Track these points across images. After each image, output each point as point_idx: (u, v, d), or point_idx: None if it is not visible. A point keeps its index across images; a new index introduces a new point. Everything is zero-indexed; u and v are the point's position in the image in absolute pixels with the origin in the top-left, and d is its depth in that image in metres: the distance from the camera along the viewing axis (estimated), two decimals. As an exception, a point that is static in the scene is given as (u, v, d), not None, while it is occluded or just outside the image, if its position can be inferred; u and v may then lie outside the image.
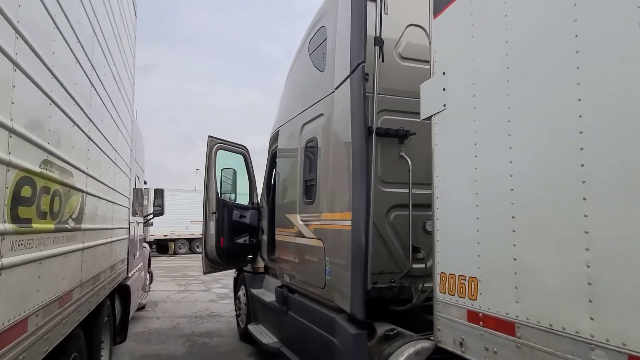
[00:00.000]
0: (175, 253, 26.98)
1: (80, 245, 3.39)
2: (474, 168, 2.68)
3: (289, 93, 6.76)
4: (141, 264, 9.66)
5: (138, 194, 9.01)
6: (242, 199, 8.16)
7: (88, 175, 3.59)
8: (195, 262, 20.99)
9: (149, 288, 11.91)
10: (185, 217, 25.37)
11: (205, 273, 7.31)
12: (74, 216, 3.15)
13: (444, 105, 2.99)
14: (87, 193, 3.55)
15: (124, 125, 5.64)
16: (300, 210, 5.69)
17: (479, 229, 2.62)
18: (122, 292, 7.25)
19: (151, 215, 11.29)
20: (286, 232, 6.17)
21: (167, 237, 26.63)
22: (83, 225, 3.45)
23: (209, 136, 7.09)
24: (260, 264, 7.91)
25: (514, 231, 2.36)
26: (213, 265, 7.20)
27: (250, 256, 7.75)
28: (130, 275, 7.60)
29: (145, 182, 10.43)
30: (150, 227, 24.80)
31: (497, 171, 2.51)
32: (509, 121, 2.42)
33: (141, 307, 10.59)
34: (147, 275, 11.42)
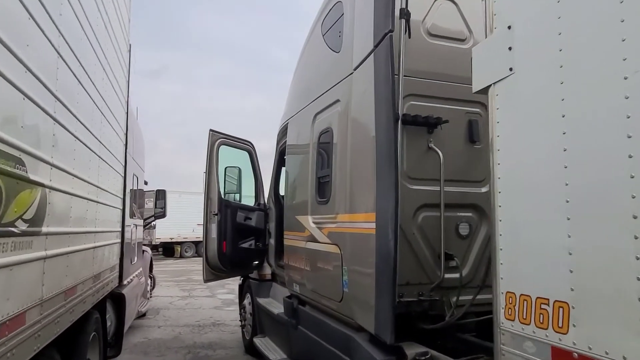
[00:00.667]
0: (181, 256, 26.28)
1: (39, 254, 2.65)
2: (561, 149, 1.90)
3: (299, 82, 6.01)
4: (140, 269, 8.92)
5: (137, 195, 8.29)
6: (247, 200, 7.41)
7: (53, 166, 2.85)
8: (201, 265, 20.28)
9: (150, 295, 11.17)
10: (191, 219, 24.66)
11: (206, 281, 6.53)
12: (26, 217, 2.40)
13: (510, 70, 2.22)
14: (51, 188, 2.81)
15: (112, 115, 4.90)
16: (312, 212, 4.93)
17: (571, 234, 1.84)
18: (117, 301, 6.54)
19: (152, 218, 10.55)
20: (296, 236, 5.41)
21: (174, 240, 25.95)
22: (44, 229, 2.70)
23: (211, 130, 6.34)
24: (267, 271, 7.15)
25: (636, 237, 1.59)
26: (215, 272, 6.44)
27: (257, 262, 6.98)
28: (125, 282, 6.87)
29: (145, 183, 9.70)
30: (156, 230, 24.32)
31: (603, 153, 1.74)
32: (626, 78, 1.65)
33: (141, 315, 9.86)
34: (149, 281, 10.69)
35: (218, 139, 6.40)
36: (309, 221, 4.97)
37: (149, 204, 12.80)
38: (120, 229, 5.64)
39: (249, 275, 7.52)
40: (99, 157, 4.20)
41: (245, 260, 6.79)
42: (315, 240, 4.78)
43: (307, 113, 5.30)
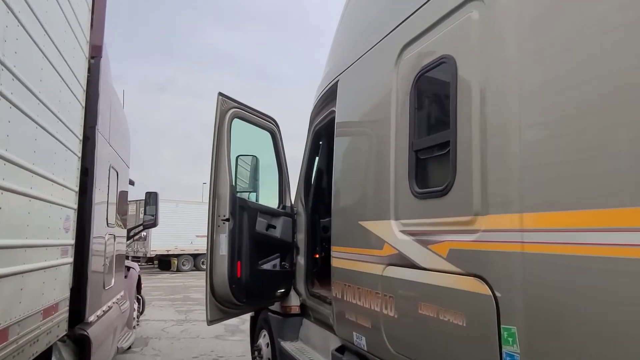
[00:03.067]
0: (178, 270, 23.76)
1: None
2: None
3: (360, 14, 3.81)
4: (122, 292, 6.63)
5: (118, 197, 6.05)
6: (265, 200, 5.13)
7: None
8: (200, 280, 17.84)
9: (138, 322, 8.83)
10: (189, 231, 22.32)
11: (210, 322, 4.13)
12: None
13: None
14: None
15: (60, 56, 2.70)
16: (400, 213, 2.71)
17: None
18: (80, 344, 4.32)
19: (141, 227, 8.24)
20: (359, 255, 3.18)
21: (170, 253, 23.45)
22: None
23: (220, 94, 4.09)
24: (294, 302, 4.88)
25: None
26: (224, 307, 4.11)
27: (282, 290, 4.70)
28: (93, 318, 4.61)
29: (132, 183, 7.44)
30: (151, 241, 21.92)
31: None
32: None
33: (126, 348, 7.53)
34: (135, 305, 8.38)
35: (231, 109, 4.14)
36: (392, 230, 2.75)
37: (129, 208, 10.44)
38: (72, 241, 3.38)
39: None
40: (9, 101, 1.97)
41: (267, 288, 4.51)
42: (410, 265, 2.55)
43: (380, 52, 3.11)
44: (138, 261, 23.35)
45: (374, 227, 2.97)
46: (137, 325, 8.96)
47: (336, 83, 3.84)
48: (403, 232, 2.67)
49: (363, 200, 3.24)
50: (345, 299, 3.38)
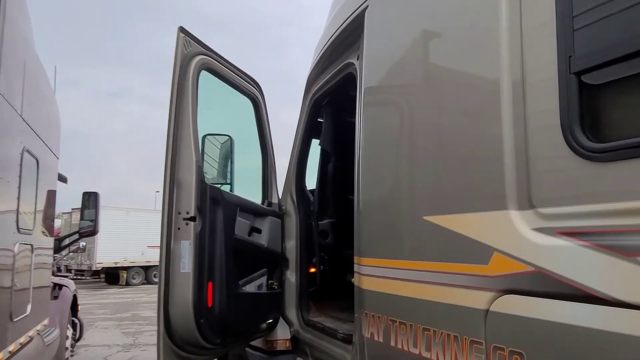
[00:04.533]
0: (127, 284, 21.46)
1: None
2: None
3: None
4: (46, 320, 4.98)
5: (40, 194, 4.46)
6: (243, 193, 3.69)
7: None
8: (152, 296, 15.90)
9: (72, 352, 7.04)
10: (141, 241, 20.22)
11: None
12: None
13: None
14: None
15: None
16: (536, 195, 1.40)
17: None
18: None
19: (76, 235, 6.52)
20: (424, 274, 1.85)
21: (118, 265, 21.15)
22: None
23: (181, 29, 2.57)
24: (282, 335, 3.46)
25: None
26: (186, 353, 2.62)
27: (270, 321, 3.27)
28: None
29: (63, 180, 5.78)
30: (97, 253, 19.64)
31: None
32: None
33: (54, 389, 5.78)
34: (70, 331, 6.63)
35: (198, 55, 2.71)
36: (514, 228, 1.44)
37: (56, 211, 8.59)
38: None
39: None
40: None
41: (252, 321, 3.07)
42: (567, 295, 1.24)
43: None
44: (82, 275, 20.96)
45: (465, 225, 1.65)
46: (72, 354, 7.18)
47: (362, 14, 2.50)
48: (545, 230, 1.36)
49: (434, 180, 1.90)
50: (393, 344, 2.02)
